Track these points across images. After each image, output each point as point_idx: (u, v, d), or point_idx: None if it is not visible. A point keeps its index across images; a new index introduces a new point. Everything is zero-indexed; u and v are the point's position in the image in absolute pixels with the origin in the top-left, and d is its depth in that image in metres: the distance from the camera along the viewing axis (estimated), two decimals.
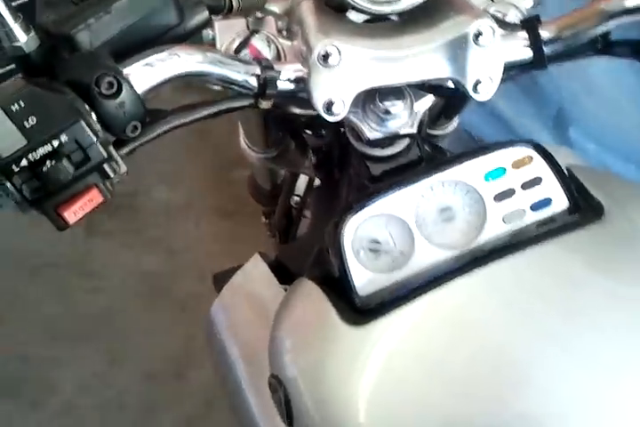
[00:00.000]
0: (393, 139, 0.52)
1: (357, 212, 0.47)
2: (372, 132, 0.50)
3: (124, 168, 0.40)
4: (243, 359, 0.62)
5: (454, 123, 0.66)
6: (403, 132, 0.51)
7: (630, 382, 0.44)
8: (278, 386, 0.49)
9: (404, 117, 0.50)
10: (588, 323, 0.45)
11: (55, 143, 0.36)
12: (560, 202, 0.47)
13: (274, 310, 0.54)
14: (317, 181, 0.79)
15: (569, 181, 0.47)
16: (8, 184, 0.36)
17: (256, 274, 0.64)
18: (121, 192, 1.42)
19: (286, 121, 0.66)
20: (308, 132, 0.65)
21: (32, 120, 0.36)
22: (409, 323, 0.46)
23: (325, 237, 0.48)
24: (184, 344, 1.41)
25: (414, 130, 0.51)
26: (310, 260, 0.54)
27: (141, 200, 1.68)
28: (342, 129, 0.56)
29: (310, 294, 0.50)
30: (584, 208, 0.47)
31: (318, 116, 0.47)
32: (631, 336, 0.45)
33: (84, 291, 1.55)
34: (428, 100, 0.52)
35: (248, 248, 0.69)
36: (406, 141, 0.52)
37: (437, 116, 0.60)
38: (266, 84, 0.45)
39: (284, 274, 0.62)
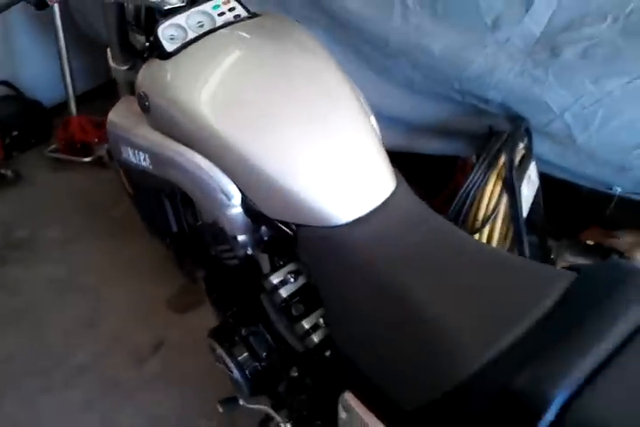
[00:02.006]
0: None
1: (163, 23, 1.09)
2: None
3: None
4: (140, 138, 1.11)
5: None
6: None
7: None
8: (144, 98, 1.04)
9: None
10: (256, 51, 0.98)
11: None
12: (244, 14, 1.07)
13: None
14: None
15: (245, 7, 1.16)
16: None
17: (128, 100, 1.22)
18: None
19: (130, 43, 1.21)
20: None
21: None
22: (200, 50, 0.95)
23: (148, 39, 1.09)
24: None
25: None
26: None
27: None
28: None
29: (150, 62, 1.10)
30: (253, 15, 1.11)
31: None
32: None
33: None
34: None
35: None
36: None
37: None
38: None
39: None
